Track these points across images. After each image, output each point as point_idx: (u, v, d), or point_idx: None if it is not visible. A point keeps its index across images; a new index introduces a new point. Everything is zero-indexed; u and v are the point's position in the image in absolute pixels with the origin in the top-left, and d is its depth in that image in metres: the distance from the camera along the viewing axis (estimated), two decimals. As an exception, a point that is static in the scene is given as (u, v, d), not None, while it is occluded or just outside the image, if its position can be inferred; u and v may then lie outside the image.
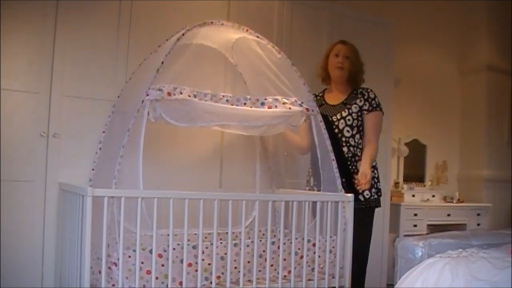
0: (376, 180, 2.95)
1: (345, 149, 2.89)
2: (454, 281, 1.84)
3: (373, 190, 2.91)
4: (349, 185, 2.81)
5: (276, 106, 2.50)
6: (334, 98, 3.02)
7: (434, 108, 5.19)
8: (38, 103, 2.58)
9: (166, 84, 2.20)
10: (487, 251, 2.11)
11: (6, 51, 2.49)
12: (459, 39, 5.40)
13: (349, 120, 2.91)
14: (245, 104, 2.48)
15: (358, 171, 2.84)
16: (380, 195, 2.98)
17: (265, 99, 2.51)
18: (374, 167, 2.95)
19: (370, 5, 4.31)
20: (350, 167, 2.88)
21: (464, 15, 5.37)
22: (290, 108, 2.53)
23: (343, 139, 2.90)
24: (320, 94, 3.10)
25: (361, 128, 2.95)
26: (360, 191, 2.77)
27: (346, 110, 2.92)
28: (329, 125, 2.87)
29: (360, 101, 2.94)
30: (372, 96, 2.96)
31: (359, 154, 2.92)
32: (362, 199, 2.86)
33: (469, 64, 5.34)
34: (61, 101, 2.64)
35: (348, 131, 2.90)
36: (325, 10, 3.63)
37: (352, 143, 2.91)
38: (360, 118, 2.94)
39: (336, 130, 2.90)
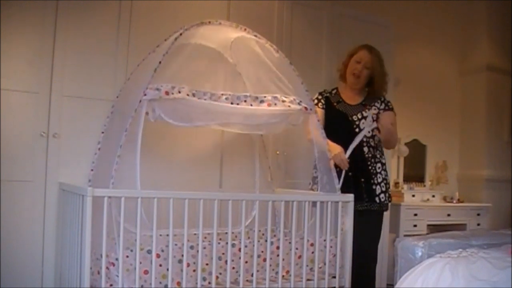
0: (388, 186, 2.96)
1: (365, 149, 2.88)
2: (454, 281, 1.84)
3: (387, 194, 2.93)
4: (367, 186, 2.84)
5: (275, 104, 2.50)
6: (351, 98, 2.99)
7: (434, 108, 5.18)
8: (38, 103, 2.58)
9: (164, 84, 2.20)
10: (487, 251, 2.11)
11: (6, 51, 2.49)
12: (459, 39, 5.39)
13: (370, 120, 2.90)
14: (244, 101, 2.48)
15: (376, 172, 2.88)
16: (391, 201, 2.99)
17: (265, 96, 2.51)
18: (386, 171, 2.97)
19: (370, 5, 4.30)
20: (370, 167, 2.88)
21: (464, 15, 5.37)
22: (289, 106, 2.52)
23: (364, 139, 2.87)
24: (334, 91, 3.06)
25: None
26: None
27: (367, 110, 2.91)
28: (349, 124, 2.88)
29: (378, 103, 2.95)
30: (387, 100, 2.99)
31: (377, 155, 2.93)
32: (378, 201, 2.87)
33: (469, 64, 5.34)
34: (61, 101, 2.64)
35: (369, 131, 2.88)
36: (325, 10, 3.63)
37: (372, 144, 2.91)
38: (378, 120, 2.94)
39: (357, 130, 2.88)
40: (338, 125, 2.90)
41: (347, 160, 2.70)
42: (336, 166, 2.70)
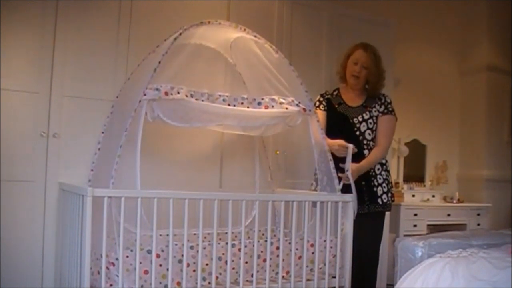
0: (390, 186, 2.96)
1: (366, 151, 2.87)
2: (454, 281, 1.84)
3: (389, 194, 2.92)
4: (368, 189, 2.83)
5: (273, 106, 2.50)
6: (352, 99, 2.97)
7: (434, 108, 5.18)
8: (38, 103, 2.59)
9: (164, 84, 2.20)
10: (487, 251, 2.11)
11: (6, 51, 2.49)
12: (459, 39, 5.39)
13: (370, 123, 2.89)
14: (242, 103, 2.49)
15: (375, 173, 2.87)
16: (393, 200, 2.99)
17: (262, 99, 2.51)
18: (387, 171, 2.96)
19: (370, 5, 4.30)
20: (371, 171, 2.87)
21: (464, 15, 5.37)
22: (287, 108, 2.52)
23: (364, 141, 2.88)
24: (335, 92, 3.04)
25: None
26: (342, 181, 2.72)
27: (368, 112, 2.90)
28: (350, 127, 2.88)
29: (378, 104, 2.93)
30: (388, 100, 2.96)
31: None
32: (380, 202, 2.87)
33: (469, 64, 5.34)
34: (61, 101, 2.64)
35: (369, 134, 2.88)
36: (325, 10, 3.63)
37: (372, 146, 2.90)
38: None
39: (358, 133, 2.88)
40: (339, 127, 2.89)
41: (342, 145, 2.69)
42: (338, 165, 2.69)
